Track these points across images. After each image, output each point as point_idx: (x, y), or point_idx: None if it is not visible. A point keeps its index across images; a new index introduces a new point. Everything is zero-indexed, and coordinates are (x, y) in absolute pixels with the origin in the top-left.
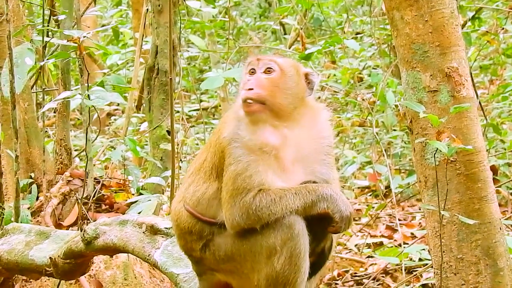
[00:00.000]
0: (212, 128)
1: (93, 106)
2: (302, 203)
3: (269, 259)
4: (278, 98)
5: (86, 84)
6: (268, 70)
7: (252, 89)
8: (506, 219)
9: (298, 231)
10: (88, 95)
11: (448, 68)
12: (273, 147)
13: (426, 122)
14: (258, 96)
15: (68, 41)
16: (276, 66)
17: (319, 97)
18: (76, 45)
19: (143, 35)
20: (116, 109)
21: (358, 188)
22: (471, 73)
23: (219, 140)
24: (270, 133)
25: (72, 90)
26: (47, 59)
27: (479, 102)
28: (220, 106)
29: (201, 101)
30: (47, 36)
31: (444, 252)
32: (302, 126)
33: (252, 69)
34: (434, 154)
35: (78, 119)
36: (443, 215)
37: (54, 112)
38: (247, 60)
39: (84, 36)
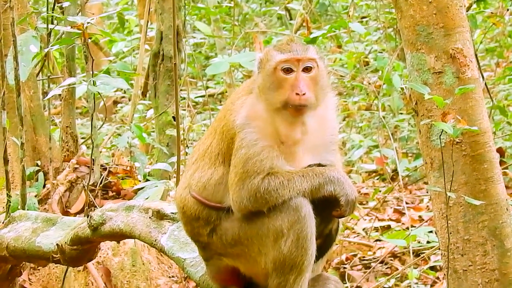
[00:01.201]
0: None
1: (98, 93)
2: (310, 185)
3: (276, 242)
4: (319, 96)
5: (91, 70)
6: (307, 69)
7: (305, 93)
8: None
9: (305, 213)
10: (94, 81)
11: (453, 50)
12: (293, 140)
13: (431, 104)
14: (311, 100)
15: (72, 27)
16: (314, 63)
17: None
18: (80, 31)
19: (148, 22)
20: (123, 97)
21: (365, 172)
22: (476, 55)
23: (228, 126)
24: (292, 125)
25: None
26: (52, 46)
27: (485, 84)
28: (226, 92)
29: (207, 87)
30: (52, 23)
31: (451, 233)
32: (316, 115)
33: (288, 68)
34: (440, 135)
35: (85, 107)
36: (449, 196)
37: (60, 100)
38: (276, 57)
39: (88, 22)
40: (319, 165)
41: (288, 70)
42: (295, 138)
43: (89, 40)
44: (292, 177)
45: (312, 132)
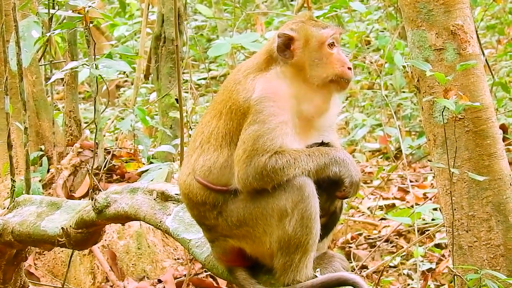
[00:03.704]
0: None
1: (101, 76)
2: (315, 165)
3: (280, 221)
4: None
5: (93, 54)
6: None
7: (350, 68)
8: None
9: (308, 193)
10: (96, 65)
11: (453, 26)
12: (312, 114)
13: (433, 81)
14: None
15: (73, 11)
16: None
17: None
18: (82, 16)
19: (149, 5)
20: (125, 81)
21: (369, 151)
22: (477, 32)
23: (238, 103)
24: (326, 101)
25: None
26: (53, 31)
27: (486, 61)
28: (228, 74)
29: (209, 70)
30: (53, 8)
31: (455, 209)
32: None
33: (333, 43)
34: (442, 112)
35: (87, 92)
36: (453, 172)
37: (63, 85)
38: (323, 33)
39: (89, 6)
40: (322, 143)
41: (332, 45)
42: (312, 112)
43: (91, 25)
44: (299, 155)
45: (323, 111)
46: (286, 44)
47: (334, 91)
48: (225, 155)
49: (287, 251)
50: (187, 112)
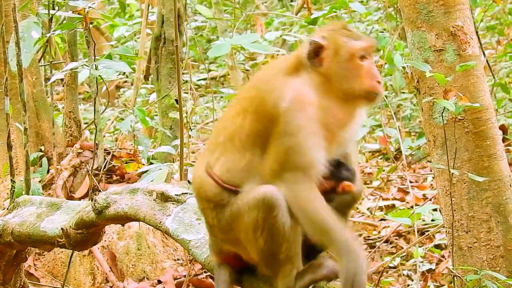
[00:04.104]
0: (221, 97)
1: (101, 77)
2: (326, 231)
3: (254, 233)
4: None
5: (93, 54)
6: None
7: (379, 82)
8: None
9: (277, 212)
10: (96, 65)
11: (453, 27)
12: (336, 127)
13: (433, 82)
14: None
15: (73, 12)
16: None
17: None
18: (82, 16)
19: (149, 5)
20: (125, 81)
21: (369, 151)
22: (477, 33)
23: (266, 106)
24: (352, 114)
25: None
26: (53, 31)
27: (487, 61)
28: (228, 74)
29: (209, 70)
30: (53, 9)
31: (455, 210)
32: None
33: (364, 55)
34: (442, 113)
35: (87, 92)
36: (453, 173)
37: (63, 86)
38: (355, 44)
39: (89, 7)
40: (339, 164)
41: (363, 57)
42: (347, 126)
43: (91, 25)
44: (323, 209)
45: (354, 122)
46: (316, 52)
47: (360, 104)
48: (247, 158)
49: (266, 262)
50: (187, 113)
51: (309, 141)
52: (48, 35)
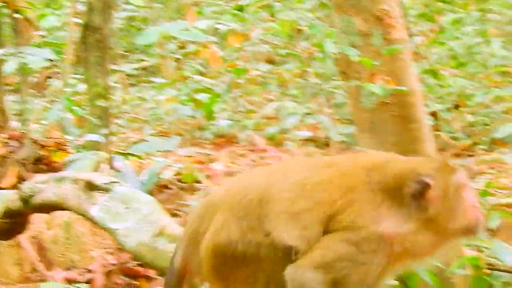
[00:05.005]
0: (153, 87)
1: (26, 65)
2: None
3: None
4: None
5: (18, 42)
6: None
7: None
8: None
9: None
10: (22, 53)
11: (379, 11)
12: (414, 259)
13: (360, 66)
14: None
15: None
16: None
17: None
18: (6, 3)
19: None
20: (57, 72)
21: (300, 139)
22: (407, 19)
23: (349, 219)
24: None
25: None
26: None
27: (417, 47)
28: (160, 64)
29: (142, 60)
30: None
31: None
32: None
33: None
34: (368, 96)
35: (17, 83)
36: None
37: None
38: (460, 176)
39: None
40: None
41: (464, 188)
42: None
43: (18, 15)
44: None
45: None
46: (422, 193)
47: (457, 238)
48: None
49: None
50: (115, 101)
51: (371, 269)
52: None
